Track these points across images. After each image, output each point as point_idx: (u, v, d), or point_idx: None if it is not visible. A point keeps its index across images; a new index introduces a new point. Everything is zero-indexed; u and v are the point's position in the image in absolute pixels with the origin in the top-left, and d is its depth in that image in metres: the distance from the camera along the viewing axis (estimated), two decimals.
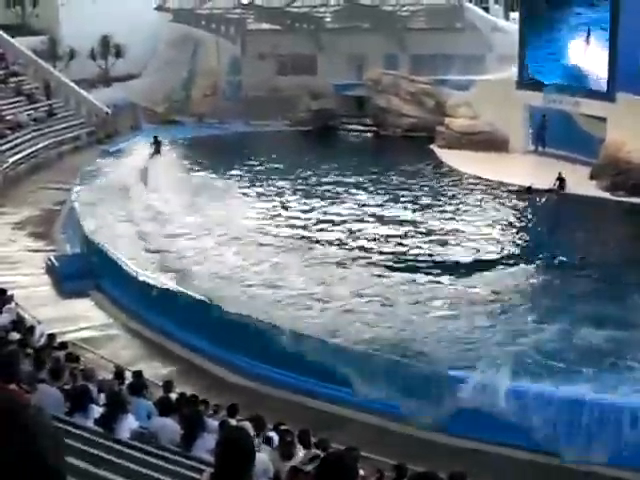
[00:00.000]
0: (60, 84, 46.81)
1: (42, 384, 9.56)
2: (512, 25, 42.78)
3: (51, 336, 15.06)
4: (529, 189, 31.07)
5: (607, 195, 30.10)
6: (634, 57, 31.44)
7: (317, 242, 25.73)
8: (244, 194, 32.49)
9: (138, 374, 13.41)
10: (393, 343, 17.86)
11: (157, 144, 39.39)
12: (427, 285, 21.74)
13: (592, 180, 31.41)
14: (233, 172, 36.15)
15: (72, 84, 47.21)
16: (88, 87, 49.91)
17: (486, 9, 49.86)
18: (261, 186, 33.70)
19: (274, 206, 30.48)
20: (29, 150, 39.27)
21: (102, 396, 10.40)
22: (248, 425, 10.27)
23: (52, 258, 24.98)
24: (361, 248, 25.02)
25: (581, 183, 30.95)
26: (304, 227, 27.56)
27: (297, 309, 20.11)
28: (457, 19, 46.04)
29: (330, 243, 25.64)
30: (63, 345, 14.44)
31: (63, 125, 43.56)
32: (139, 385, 11.77)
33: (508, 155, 36.78)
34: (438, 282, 21.99)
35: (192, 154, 40.43)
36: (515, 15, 44.29)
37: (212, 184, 33.77)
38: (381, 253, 24.45)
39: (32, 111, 43.19)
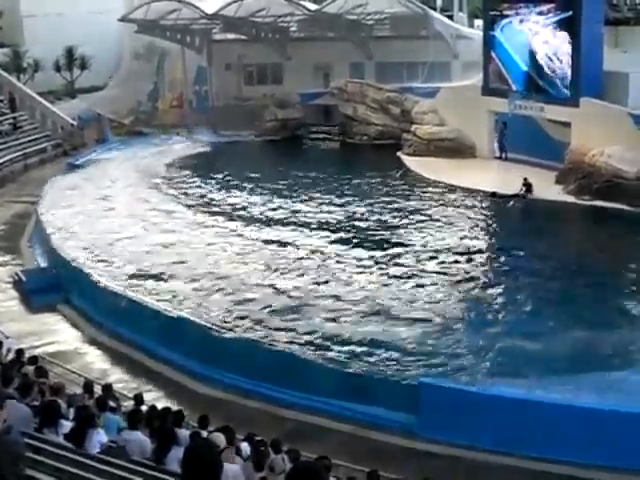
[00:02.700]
0: (25, 97, 46.44)
1: (11, 400, 9.45)
2: (477, 32, 43.12)
3: (19, 351, 14.89)
4: (494, 194, 31.34)
5: (572, 199, 30.42)
6: (597, 62, 31.87)
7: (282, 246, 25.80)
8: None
9: (107, 387, 13.31)
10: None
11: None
12: (391, 288, 21.94)
13: (558, 184, 31.74)
14: (199, 184, 36.09)
15: (37, 96, 46.85)
16: (53, 99, 49.58)
17: (450, 17, 50.24)
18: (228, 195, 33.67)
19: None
20: None
21: (72, 411, 10.31)
22: (220, 436, 10.23)
23: (19, 272, 24.73)
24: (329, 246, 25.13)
25: (547, 188, 31.26)
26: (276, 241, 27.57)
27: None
28: (422, 27, 46.29)
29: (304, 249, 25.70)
30: (32, 360, 14.28)
31: (28, 138, 43.22)
32: (106, 400, 11.69)
33: (475, 161, 37.02)
34: (402, 285, 22.16)
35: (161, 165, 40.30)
36: (479, 22, 44.69)
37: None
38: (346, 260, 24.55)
39: None
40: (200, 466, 3.92)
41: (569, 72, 32.68)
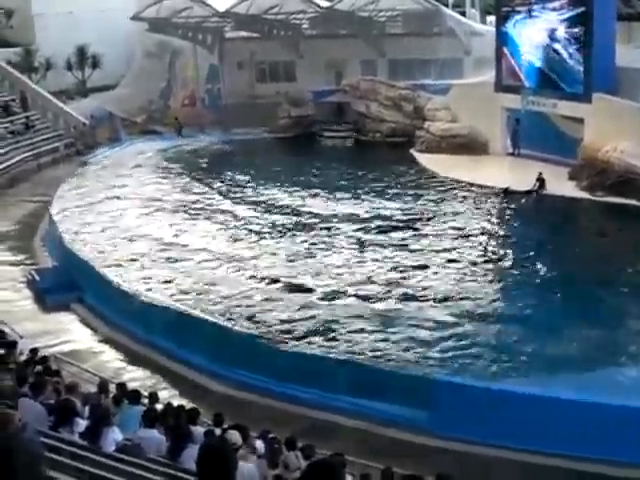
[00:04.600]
0: (37, 96, 46.58)
1: (24, 398, 9.50)
2: (489, 28, 43.02)
3: (34, 351, 14.94)
4: (506, 190, 31.25)
5: (586, 195, 30.30)
6: (609, 57, 31.74)
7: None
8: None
9: (122, 386, 13.31)
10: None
11: (180, 128, 46.13)
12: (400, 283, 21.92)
13: (571, 180, 31.63)
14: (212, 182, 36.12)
15: (49, 96, 47.00)
16: (65, 98, 49.72)
17: (463, 13, 50.14)
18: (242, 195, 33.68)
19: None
20: (7, 163, 39.07)
21: (87, 409, 10.34)
22: (235, 434, 10.26)
23: (33, 272, 24.80)
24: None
25: (560, 184, 31.13)
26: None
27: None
28: (434, 24, 46.25)
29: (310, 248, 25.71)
30: (43, 359, 14.29)
31: (41, 137, 43.36)
32: (123, 397, 11.73)
33: (488, 157, 36.92)
34: (412, 280, 22.12)
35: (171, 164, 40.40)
36: (492, 19, 44.58)
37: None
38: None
39: (9, 124, 42.98)
40: (215, 464, 3.92)
41: (582, 68, 32.57)
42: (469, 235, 26.57)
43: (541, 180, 30.90)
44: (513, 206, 30.37)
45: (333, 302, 20.92)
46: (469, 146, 37.70)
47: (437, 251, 24.89)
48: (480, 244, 25.79)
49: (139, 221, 29.72)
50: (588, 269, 23.24)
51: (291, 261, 24.42)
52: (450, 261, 23.99)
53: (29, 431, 7.12)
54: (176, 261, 24.82)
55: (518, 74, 35.72)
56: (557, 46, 33.57)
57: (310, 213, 29.71)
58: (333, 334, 19.00)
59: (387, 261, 24.13)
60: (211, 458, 3.94)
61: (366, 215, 29.17)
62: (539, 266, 23.74)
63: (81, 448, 7.93)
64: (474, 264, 23.70)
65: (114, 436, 8.86)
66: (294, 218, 29.12)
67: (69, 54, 52.81)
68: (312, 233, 27.24)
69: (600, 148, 30.41)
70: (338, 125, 45.19)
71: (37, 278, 24.14)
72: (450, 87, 39.94)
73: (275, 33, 49.73)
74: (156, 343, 19.80)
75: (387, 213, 29.33)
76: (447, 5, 50.29)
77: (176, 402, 13.94)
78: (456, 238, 26.17)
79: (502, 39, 36.47)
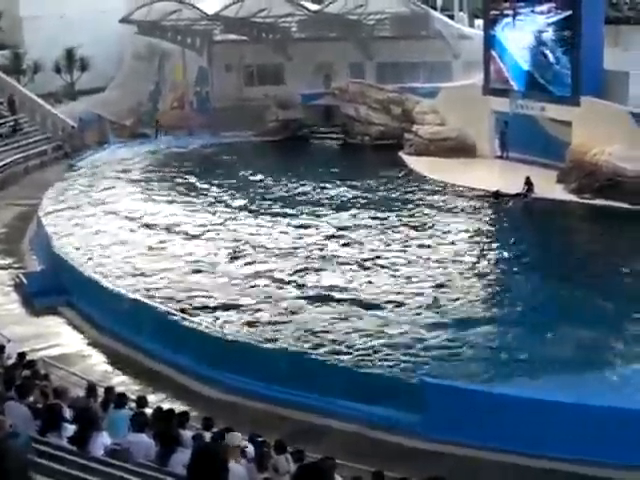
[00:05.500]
0: (25, 99, 46.39)
1: (10, 401, 9.45)
2: (477, 32, 43.13)
3: (21, 355, 14.86)
4: (496, 194, 31.32)
5: (574, 198, 30.41)
6: (597, 61, 31.87)
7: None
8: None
9: (109, 390, 13.25)
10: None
11: (157, 130, 47.28)
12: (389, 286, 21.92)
13: (559, 183, 31.73)
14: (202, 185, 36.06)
15: (37, 98, 46.81)
16: (54, 101, 49.52)
17: (451, 17, 50.24)
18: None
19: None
20: None
21: (72, 413, 10.28)
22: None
23: (20, 275, 24.69)
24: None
25: (548, 186, 31.24)
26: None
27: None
28: (422, 27, 46.30)
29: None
30: (30, 363, 14.20)
31: (29, 140, 43.17)
32: (110, 402, 11.70)
33: (476, 160, 37.00)
34: (400, 282, 22.12)
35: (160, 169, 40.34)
36: (480, 22, 44.67)
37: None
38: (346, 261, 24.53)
39: None
40: (207, 468, 3.91)
41: (570, 71, 32.68)
42: (459, 237, 26.63)
43: (529, 183, 30.99)
44: (502, 209, 30.45)
45: (320, 301, 21.00)
46: (458, 149, 37.78)
47: (427, 253, 24.94)
48: (469, 246, 25.83)
49: (127, 224, 29.66)
50: (577, 271, 23.32)
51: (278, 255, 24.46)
52: (439, 261, 24.07)
53: (21, 437, 7.09)
54: (166, 263, 24.80)
55: (506, 77, 35.86)
56: (545, 49, 33.70)
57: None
58: (321, 334, 19.03)
59: (381, 260, 24.19)
60: (203, 462, 3.93)
61: (351, 216, 29.23)
62: (528, 268, 23.81)
63: (69, 452, 7.88)
64: (463, 266, 23.75)
65: (102, 440, 8.81)
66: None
67: (57, 57, 52.61)
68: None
69: (588, 151, 30.54)
70: (327, 128, 45.17)
71: (25, 281, 24.02)
72: (439, 90, 40.02)
73: (264, 36, 49.68)
74: (145, 346, 19.73)
75: (377, 214, 29.40)
76: (435, 8, 50.39)
77: (164, 405, 13.88)
78: (445, 240, 26.24)
79: (490, 42, 36.59)
